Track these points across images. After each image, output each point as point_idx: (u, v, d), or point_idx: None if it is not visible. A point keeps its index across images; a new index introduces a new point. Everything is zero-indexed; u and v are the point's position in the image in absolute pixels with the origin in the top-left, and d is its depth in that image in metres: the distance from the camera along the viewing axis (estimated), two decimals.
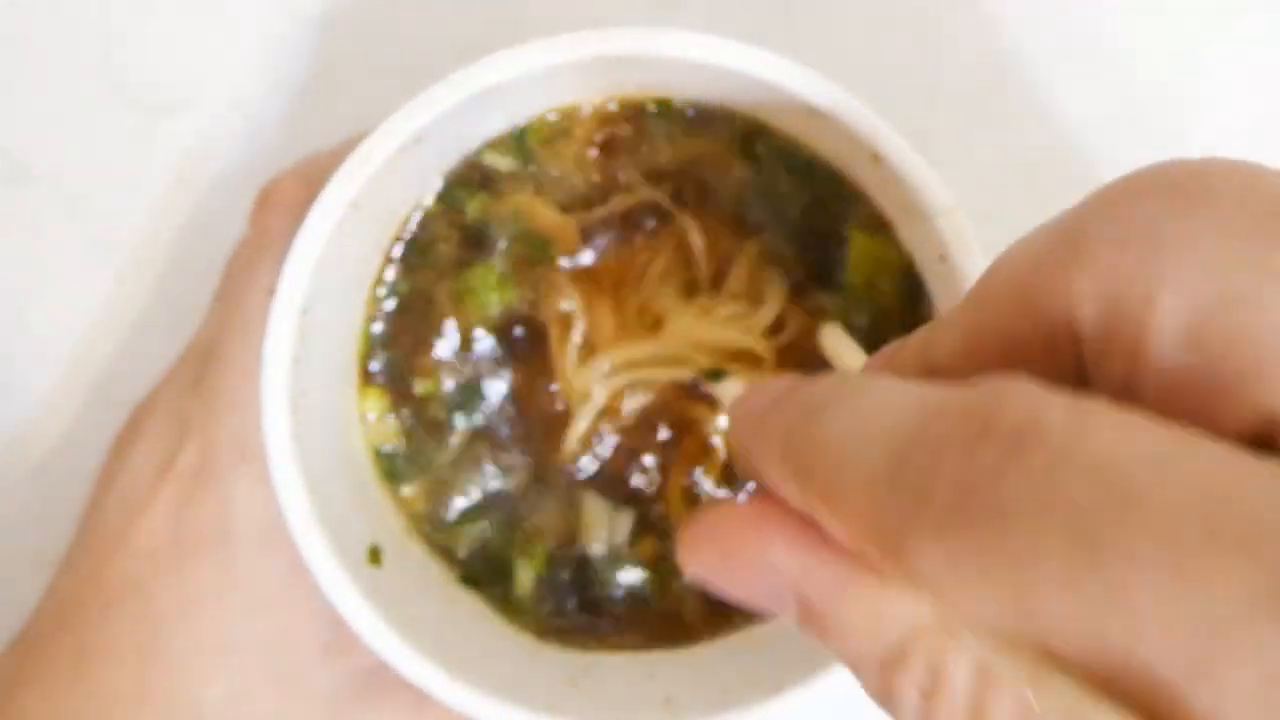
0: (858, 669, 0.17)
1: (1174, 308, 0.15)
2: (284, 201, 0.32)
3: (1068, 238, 0.18)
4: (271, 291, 0.30)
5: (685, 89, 0.32)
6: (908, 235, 0.32)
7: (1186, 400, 0.16)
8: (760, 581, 0.18)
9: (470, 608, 0.34)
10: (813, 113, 0.30)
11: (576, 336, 0.33)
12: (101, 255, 0.40)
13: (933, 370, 0.20)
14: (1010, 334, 0.18)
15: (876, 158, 0.30)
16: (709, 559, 0.19)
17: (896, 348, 0.22)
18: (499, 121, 0.32)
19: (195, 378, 0.33)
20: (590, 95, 0.32)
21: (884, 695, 0.17)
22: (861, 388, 0.18)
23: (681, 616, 0.34)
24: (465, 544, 0.34)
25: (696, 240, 0.33)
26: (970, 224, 0.30)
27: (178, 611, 0.32)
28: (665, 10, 0.40)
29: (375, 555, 0.32)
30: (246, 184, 0.36)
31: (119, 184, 0.40)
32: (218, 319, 0.33)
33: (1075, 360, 0.17)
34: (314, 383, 0.31)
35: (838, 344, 0.32)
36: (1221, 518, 0.13)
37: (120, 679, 0.31)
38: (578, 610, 0.34)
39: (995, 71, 0.40)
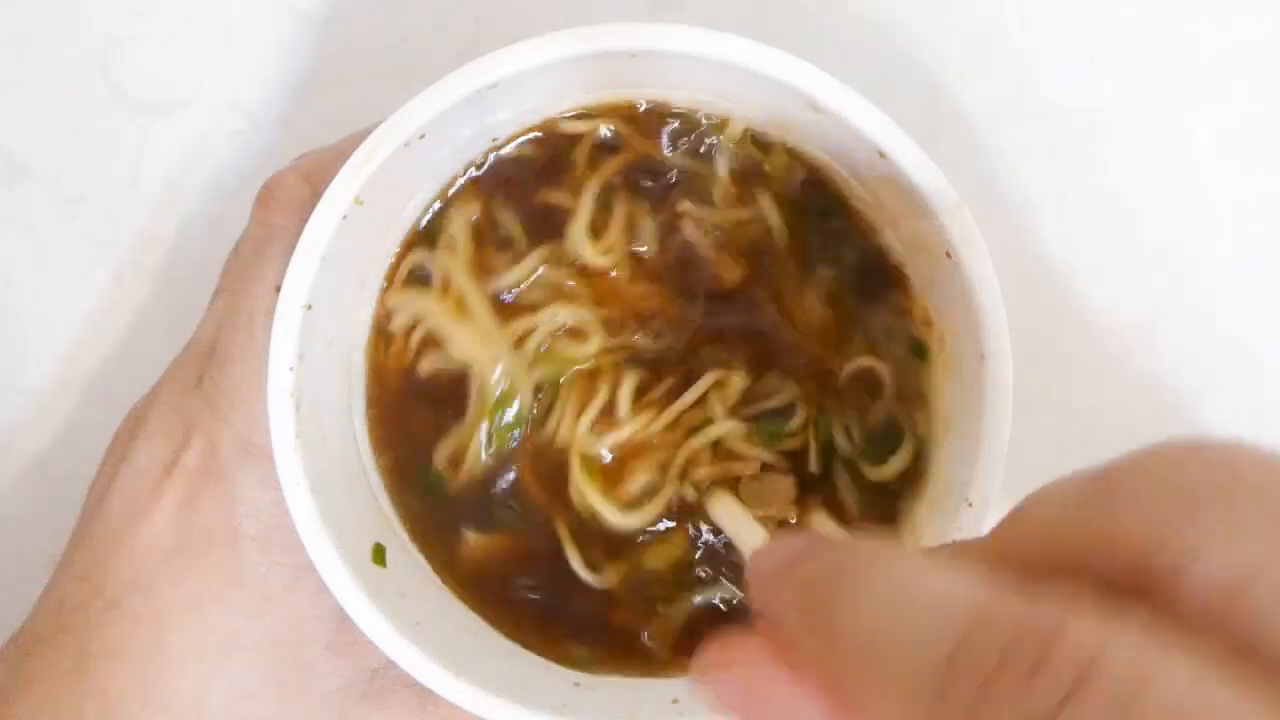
0: None
1: (1209, 568, 0.16)
2: (286, 197, 0.32)
3: (1107, 484, 0.18)
4: (276, 287, 0.29)
5: (686, 86, 0.32)
6: (912, 233, 0.32)
7: None
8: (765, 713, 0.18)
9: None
10: (816, 109, 0.30)
11: (595, 406, 0.34)
12: (100, 255, 0.39)
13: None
14: (1033, 564, 0.18)
15: (881, 154, 0.30)
16: (729, 687, 0.19)
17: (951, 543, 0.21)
18: (504, 116, 0.32)
19: (197, 376, 0.33)
20: (592, 92, 0.32)
21: None
22: (906, 563, 0.18)
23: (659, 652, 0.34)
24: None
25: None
26: (974, 220, 0.30)
27: (182, 612, 0.31)
28: (665, 9, 0.40)
29: (380, 554, 0.32)
30: (246, 184, 0.36)
31: (118, 184, 0.40)
32: (219, 316, 0.33)
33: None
34: (320, 380, 0.30)
35: (732, 516, 0.32)
36: None
37: (122, 680, 0.31)
38: (574, 639, 0.34)
39: (994, 71, 0.40)
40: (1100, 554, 0.16)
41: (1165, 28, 0.40)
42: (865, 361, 0.33)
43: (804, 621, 0.18)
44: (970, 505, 0.30)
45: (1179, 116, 0.40)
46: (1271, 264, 0.40)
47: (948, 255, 0.30)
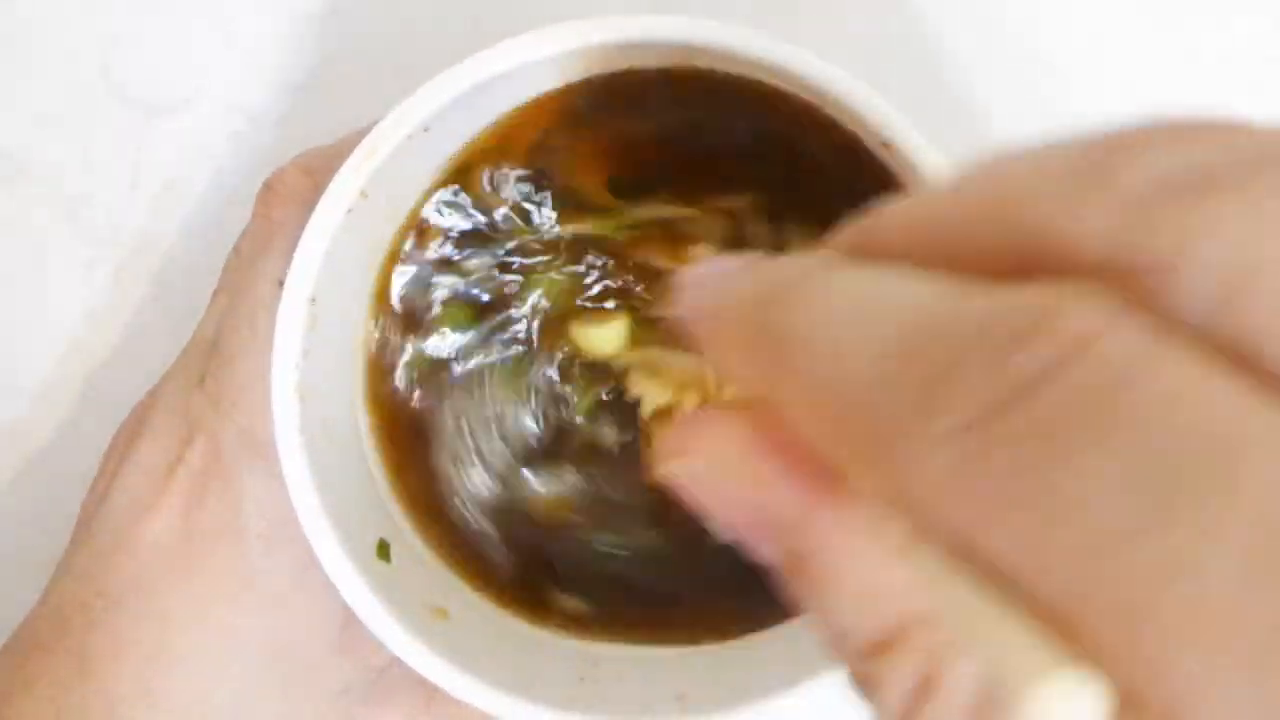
0: (840, 645, 0.15)
1: (1210, 258, 0.12)
2: (288, 192, 0.32)
3: (1092, 153, 0.14)
4: (279, 282, 0.29)
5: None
6: None
7: None
8: (741, 499, 0.16)
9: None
10: (822, 98, 0.30)
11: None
12: (100, 255, 0.39)
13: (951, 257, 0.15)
14: (975, 243, 0.14)
15: (887, 145, 0.30)
16: (687, 459, 0.16)
17: (864, 229, 0.16)
18: (507, 108, 0.32)
19: (200, 373, 0.32)
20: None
21: (865, 682, 0.14)
22: (853, 267, 0.15)
23: (703, 616, 0.33)
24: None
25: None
26: None
27: (186, 611, 0.31)
28: (668, 1, 0.40)
29: (384, 550, 0.31)
30: (246, 183, 0.36)
31: (118, 184, 0.40)
32: (221, 312, 0.33)
33: None
34: (322, 375, 0.30)
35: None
36: None
37: (125, 680, 0.31)
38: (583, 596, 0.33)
39: (997, 67, 0.40)
40: (1090, 241, 0.13)
41: (1166, 28, 0.40)
42: None
43: (754, 349, 0.15)
44: None
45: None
46: None
47: None
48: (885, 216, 0.16)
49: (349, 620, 0.30)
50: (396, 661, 0.29)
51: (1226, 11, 0.40)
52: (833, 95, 0.29)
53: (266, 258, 0.32)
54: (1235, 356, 0.12)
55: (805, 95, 0.31)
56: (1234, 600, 0.11)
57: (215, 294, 0.34)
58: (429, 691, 0.30)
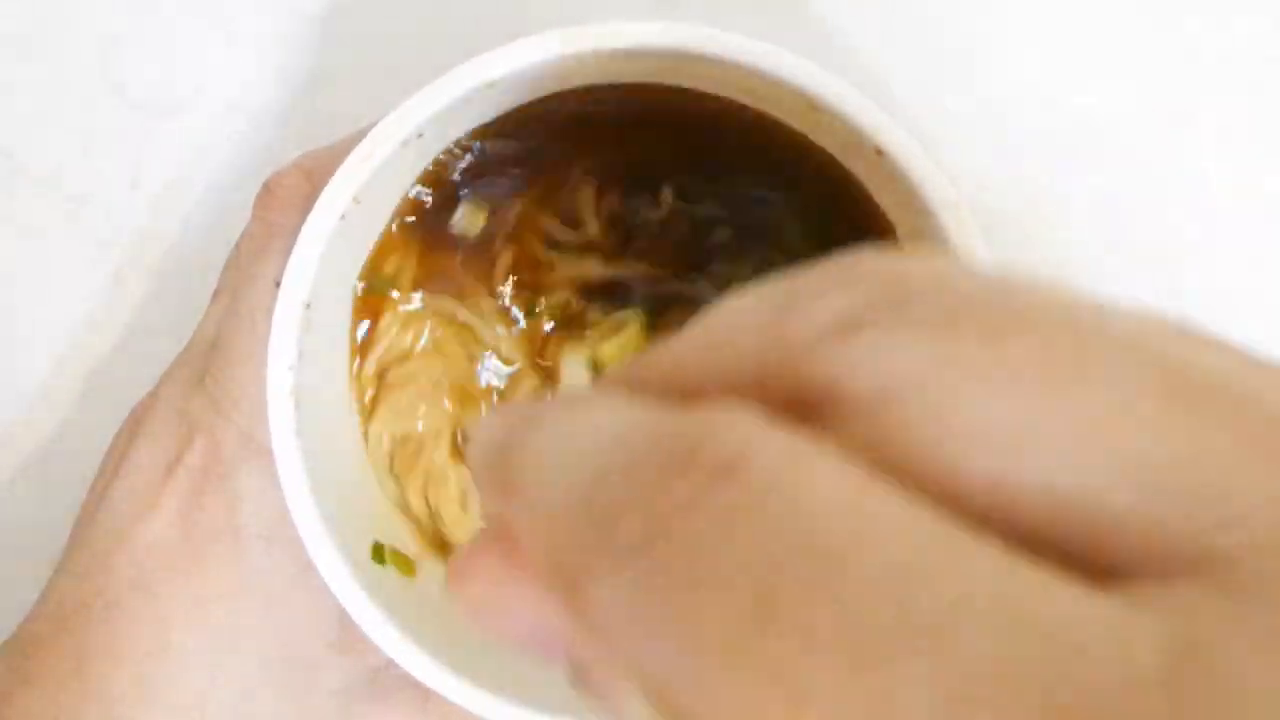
0: None
1: (858, 378, 0.14)
2: (287, 195, 0.32)
3: (777, 299, 0.15)
4: (277, 283, 0.29)
5: (686, 84, 0.32)
6: (911, 231, 0.32)
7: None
8: (519, 617, 0.16)
9: None
10: (814, 106, 0.30)
11: None
12: (100, 255, 0.39)
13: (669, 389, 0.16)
14: (695, 381, 0.16)
15: (879, 152, 0.30)
16: (472, 591, 0.17)
17: (635, 362, 0.18)
18: (501, 115, 0.32)
19: (199, 374, 0.33)
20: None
21: None
22: (580, 402, 0.16)
23: None
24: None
25: None
26: (973, 219, 0.30)
27: (185, 611, 0.31)
28: (665, 7, 0.40)
29: (380, 553, 0.32)
30: (246, 184, 0.36)
31: (118, 184, 0.40)
32: (220, 313, 0.33)
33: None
34: (318, 379, 0.30)
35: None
36: (921, 599, 0.11)
37: (124, 680, 0.31)
38: None
39: (993, 70, 0.40)
40: (771, 374, 0.14)
41: (1165, 28, 0.40)
42: None
43: (488, 478, 0.16)
44: None
45: (1179, 116, 0.40)
46: (1273, 264, 0.40)
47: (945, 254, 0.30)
48: (649, 353, 0.17)
49: (346, 619, 0.30)
50: (394, 661, 0.30)
51: (1226, 11, 0.40)
52: (825, 100, 0.29)
53: (266, 259, 0.32)
54: (888, 469, 0.13)
55: (795, 124, 0.31)
56: (834, 694, 0.11)
57: (215, 295, 0.34)
58: (426, 691, 0.30)
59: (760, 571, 0.12)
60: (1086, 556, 0.12)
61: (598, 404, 0.15)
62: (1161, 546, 0.12)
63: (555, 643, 0.16)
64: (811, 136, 0.32)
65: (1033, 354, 0.13)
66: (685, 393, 0.15)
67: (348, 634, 0.32)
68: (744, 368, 0.15)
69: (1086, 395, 0.13)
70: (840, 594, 0.11)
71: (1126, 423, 0.13)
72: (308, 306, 0.29)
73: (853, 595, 0.11)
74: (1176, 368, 0.13)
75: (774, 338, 0.14)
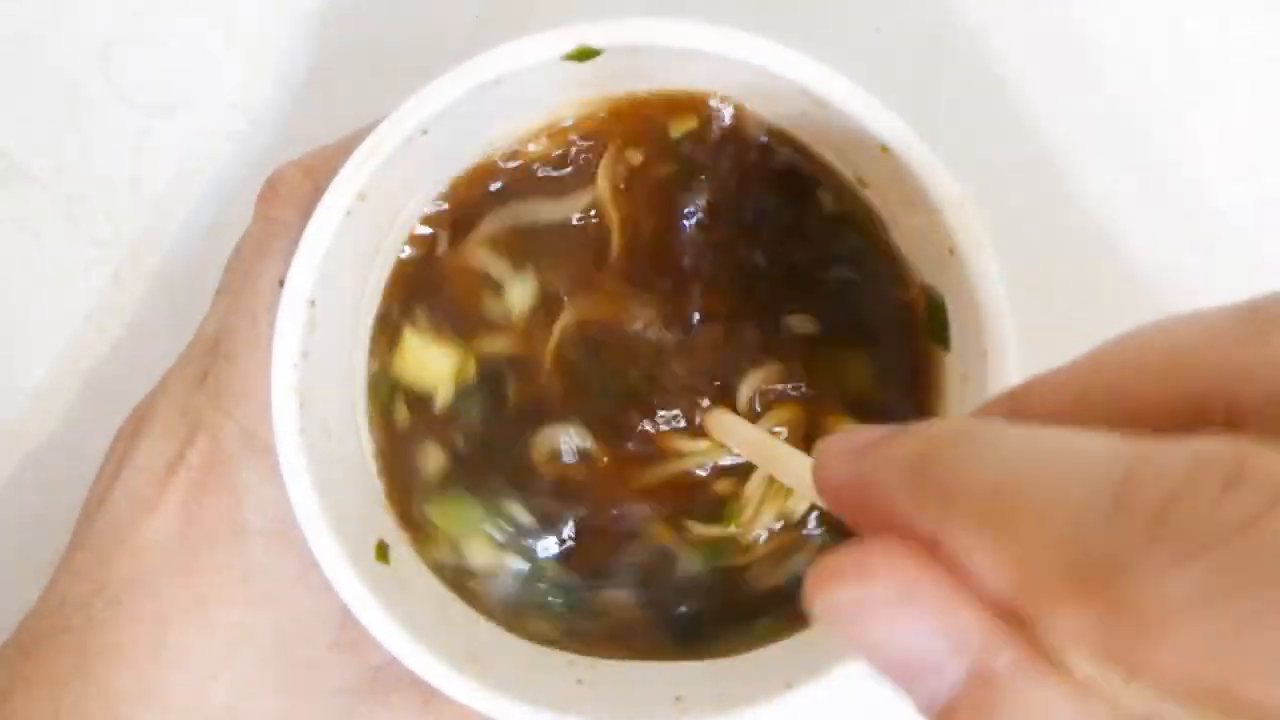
0: None
1: None
2: (289, 192, 0.32)
3: (1253, 318, 0.17)
4: (279, 282, 0.29)
5: (689, 81, 0.32)
6: (914, 228, 0.32)
7: None
8: (911, 629, 0.16)
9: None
10: (819, 104, 0.30)
11: None
12: (100, 255, 0.39)
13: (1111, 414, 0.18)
14: (1141, 399, 0.17)
15: (885, 149, 0.30)
16: (863, 584, 0.17)
17: (1011, 398, 0.20)
18: (506, 111, 0.32)
19: (201, 372, 0.32)
20: (594, 87, 0.32)
21: None
22: (1015, 426, 0.17)
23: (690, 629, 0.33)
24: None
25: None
26: (978, 216, 0.30)
27: (185, 609, 0.31)
28: (667, 5, 0.40)
29: (383, 551, 0.31)
30: (246, 184, 0.36)
31: (118, 184, 0.40)
32: (223, 312, 0.33)
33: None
34: (322, 376, 0.30)
35: (735, 427, 0.32)
36: None
37: (124, 678, 0.31)
38: (573, 612, 0.33)
39: (994, 69, 0.40)
40: (1256, 390, 0.15)
41: (1165, 28, 0.40)
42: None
43: (919, 497, 0.17)
44: None
45: (1179, 116, 0.40)
46: (1273, 264, 0.40)
47: (950, 252, 0.30)
48: (1033, 386, 0.19)
49: (348, 618, 0.30)
50: (395, 660, 0.29)
51: (1226, 11, 0.40)
52: (829, 99, 0.29)
53: (267, 258, 0.32)
54: None
55: (803, 135, 0.32)
56: None
57: (217, 294, 0.34)
58: (427, 689, 0.30)
59: None
60: None
61: (1046, 428, 0.16)
62: None
63: (930, 667, 0.16)
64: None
65: None
66: (1128, 416, 0.16)
67: (349, 633, 0.32)
68: (1197, 390, 0.16)
69: None
70: None
71: None
72: (312, 304, 0.29)
73: None
74: None
75: (1255, 357, 0.16)
